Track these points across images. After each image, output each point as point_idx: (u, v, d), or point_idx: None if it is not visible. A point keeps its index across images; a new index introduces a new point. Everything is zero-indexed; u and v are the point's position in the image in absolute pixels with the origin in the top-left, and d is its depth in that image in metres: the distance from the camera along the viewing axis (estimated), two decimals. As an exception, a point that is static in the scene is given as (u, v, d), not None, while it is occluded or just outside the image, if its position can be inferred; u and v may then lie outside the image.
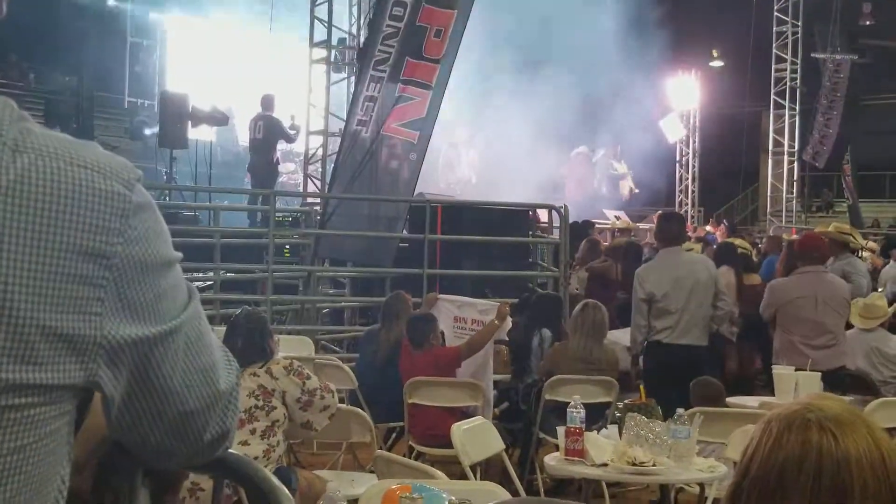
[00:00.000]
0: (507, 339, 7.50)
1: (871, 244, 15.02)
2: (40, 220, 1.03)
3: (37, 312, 1.03)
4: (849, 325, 7.48)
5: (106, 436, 1.31)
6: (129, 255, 1.09)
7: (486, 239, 9.96)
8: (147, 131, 17.37)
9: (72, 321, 1.06)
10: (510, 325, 7.32)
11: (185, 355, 1.18)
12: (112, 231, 1.08)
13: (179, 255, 1.19)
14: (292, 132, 14.46)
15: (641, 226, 16.01)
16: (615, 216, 17.25)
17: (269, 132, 13.85)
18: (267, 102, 14.10)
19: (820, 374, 6.07)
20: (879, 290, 10.51)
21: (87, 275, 1.06)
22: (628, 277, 9.58)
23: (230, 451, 1.40)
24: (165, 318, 1.14)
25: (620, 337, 7.85)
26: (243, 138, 17.21)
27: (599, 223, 15.68)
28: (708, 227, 18.24)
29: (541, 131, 18.02)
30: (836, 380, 6.52)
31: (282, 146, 15.08)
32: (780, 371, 6.13)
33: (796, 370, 6.13)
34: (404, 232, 10.11)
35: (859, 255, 10.77)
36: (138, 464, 1.40)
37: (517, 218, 10.99)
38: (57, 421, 1.09)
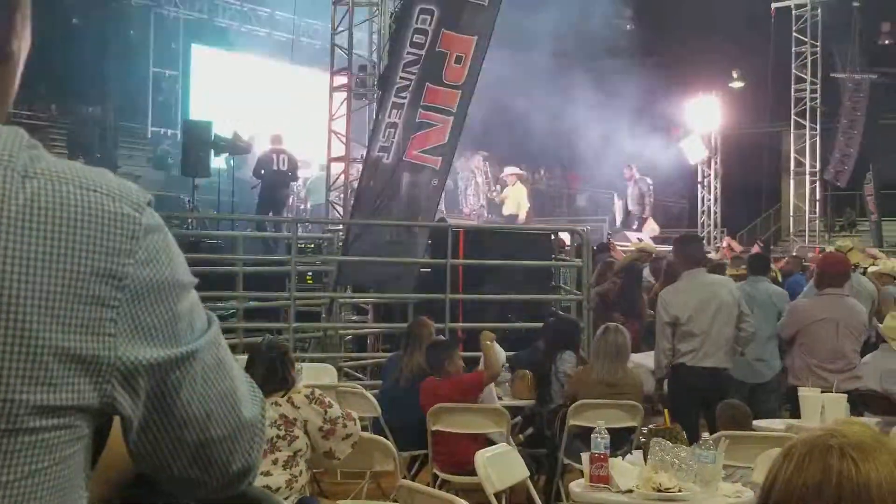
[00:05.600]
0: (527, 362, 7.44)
1: None
2: (52, 242, 1.04)
3: (51, 333, 1.04)
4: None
5: (125, 472, 1.30)
6: (140, 277, 1.09)
7: (509, 263, 9.94)
8: (169, 160, 17.57)
9: (86, 342, 1.06)
10: (502, 352, 7.22)
11: (203, 381, 1.16)
12: (122, 252, 1.08)
13: (194, 279, 1.18)
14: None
15: (661, 248, 15.90)
16: (637, 238, 17.16)
17: (291, 165, 14.94)
18: (276, 139, 15.16)
19: (846, 395, 6.03)
20: None
21: (100, 295, 1.06)
22: (626, 299, 9.58)
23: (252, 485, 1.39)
24: (181, 342, 1.13)
25: (643, 360, 7.81)
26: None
27: (621, 245, 15.59)
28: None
29: (562, 151, 18.05)
30: (854, 400, 6.47)
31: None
32: (806, 393, 6.08)
33: (822, 392, 6.09)
34: (426, 257, 10.10)
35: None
36: (158, 499, 1.39)
37: (539, 241, 10.97)
38: (73, 446, 1.08)
